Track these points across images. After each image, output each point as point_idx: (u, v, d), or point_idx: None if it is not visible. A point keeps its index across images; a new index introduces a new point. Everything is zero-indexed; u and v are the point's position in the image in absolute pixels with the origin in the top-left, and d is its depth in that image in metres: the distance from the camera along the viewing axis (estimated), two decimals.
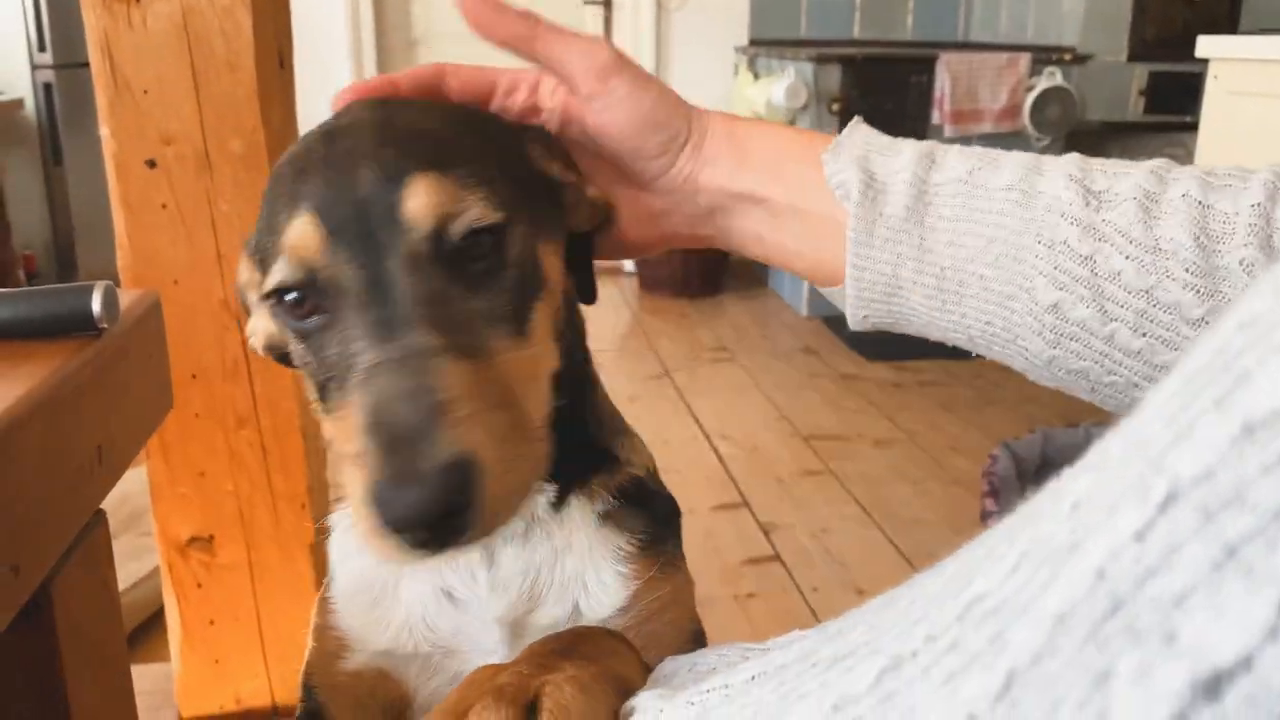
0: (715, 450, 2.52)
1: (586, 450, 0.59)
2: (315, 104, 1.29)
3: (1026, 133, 3.66)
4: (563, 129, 0.58)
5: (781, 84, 3.65)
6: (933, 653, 0.24)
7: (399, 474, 0.40)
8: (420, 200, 0.46)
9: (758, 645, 0.41)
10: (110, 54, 1.15)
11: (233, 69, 1.14)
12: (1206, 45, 1.95)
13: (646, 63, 4.32)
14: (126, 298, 0.65)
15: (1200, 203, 0.49)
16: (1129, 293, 0.50)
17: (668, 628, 0.57)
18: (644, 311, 4.00)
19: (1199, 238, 0.49)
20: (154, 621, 1.56)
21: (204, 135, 1.16)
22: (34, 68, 3.30)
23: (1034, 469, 1.98)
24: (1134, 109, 3.75)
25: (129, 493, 1.70)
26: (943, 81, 3.58)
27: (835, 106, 3.60)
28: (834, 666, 0.28)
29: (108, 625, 0.61)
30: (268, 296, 0.49)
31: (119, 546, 0.88)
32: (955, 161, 0.54)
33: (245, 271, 0.58)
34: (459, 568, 0.56)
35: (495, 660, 0.52)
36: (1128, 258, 0.50)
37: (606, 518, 0.57)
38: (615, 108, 0.56)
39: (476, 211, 0.47)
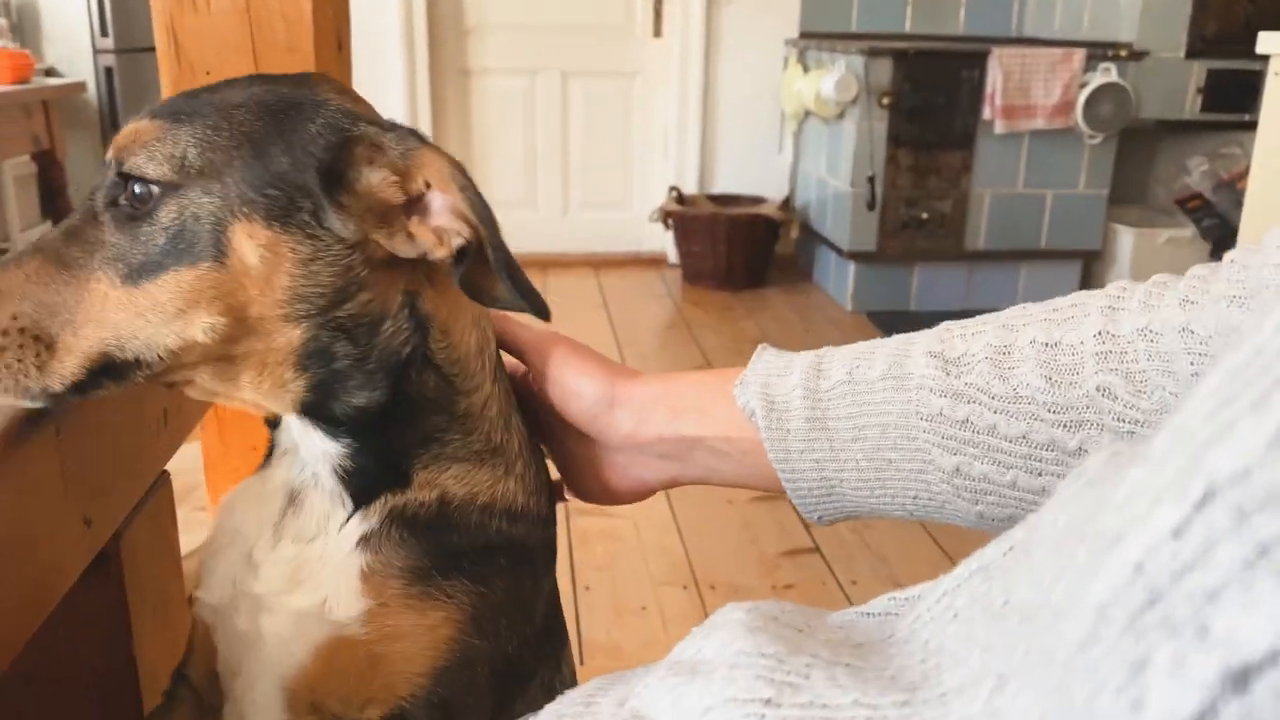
0: None
1: (392, 470, 0.59)
2: (369, 89, 1.31)
3: (1079, 130, 3.62)
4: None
5: (831, 77, 3.64)
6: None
7: None
8: (118, 136, 0.53)
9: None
10: (175, 36, 1.18)
11: (292, 51, 1.17)
12: (1268, 41, 1.91)
13: (695, 56, 4.33)
14: None
15: (1046, 344, 0.55)
16: (1010, 441, 0.54)
17: (398, 658, 0.57)
18: (686, 303, 4.01)
19: (1050, 378, 0.53)
20: None
21: None
22: (96, 52, 3.38)
23: None
24: (1190, 107, 3.69)
25: (182, 468, 1.74)
26: (995, 77, 3.54)
27: (885, 100, 3.58)
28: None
29: (171, 579, 0.63)
30: None
31: None
32: (837, 366, 0.60)
33: None
34: (265, 533, 0.60)
35: (244, 628, 0.59)
36: (995, 412, 0.54)
37: (367, 539, 0.58)
38: (546, 386, 0.65)
39: (137, 161, 0.51)
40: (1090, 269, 3.97)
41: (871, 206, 3.67)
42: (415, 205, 0.54)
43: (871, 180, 3.65)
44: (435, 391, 0.58)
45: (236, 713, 0.61)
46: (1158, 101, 3.67)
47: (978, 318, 0.60)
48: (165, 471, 0.64)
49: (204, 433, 1.27)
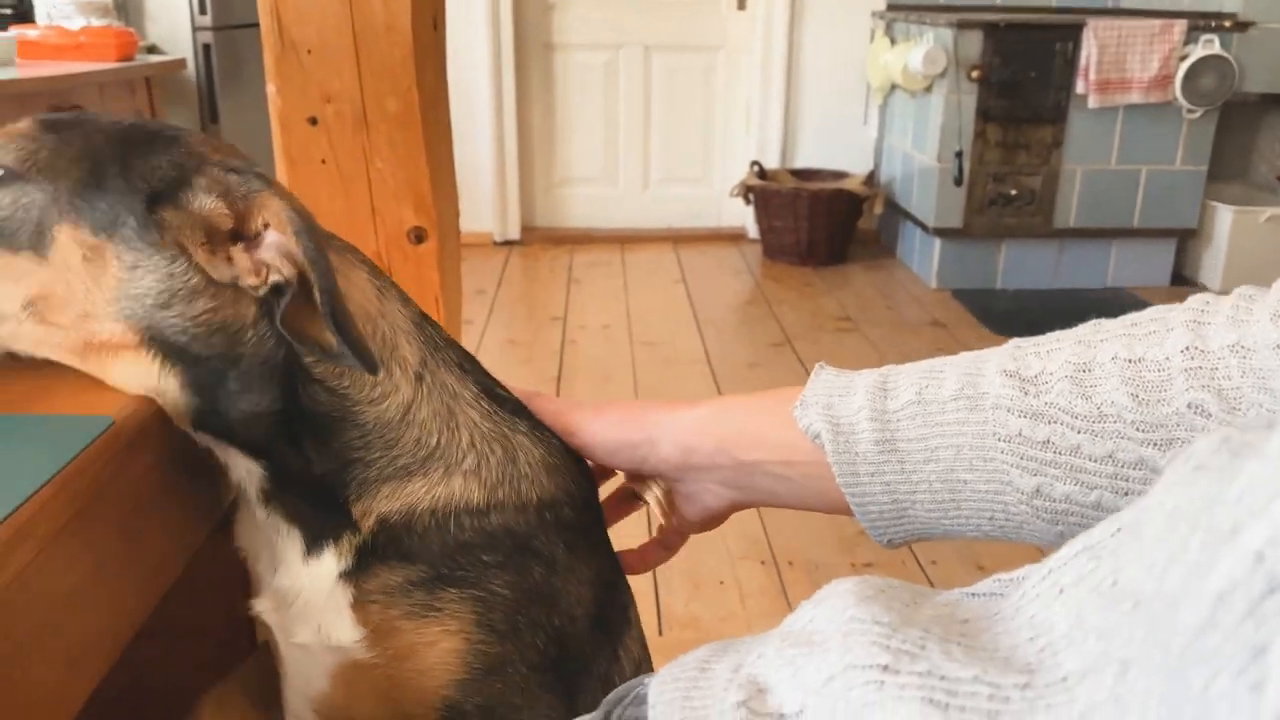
0: None
1: (335, 508, 0.59)
2: (453, 64, 1.34)
3: (1178, 104, 3.50)
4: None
5: (919, 50, 3.57)
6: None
7: None
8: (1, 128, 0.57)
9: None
10: (278, 14, 1.21)
11: (390, 30, 1.19)
12: None
13: (780, 29, 4.28)
14: None
15: (1129, 360, 0.53)
16: (1095, 461, 0.53)
17: (413, 675, 0.58)
18: (766, 279, 3.99)
19: (1136, 395, 0.52)
20: None
21: (362, 94, 1.22)
22: (195, 29, 3.48)
23: None
24: None
25: None
26: (1089, 49, 3.44)
27: (974, 74, 3.50)
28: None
29: None
30: None
31: None
32: (905, 386, 0.58)
33: None
34: (264, 555, 0.62)
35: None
36: (1079, 431, 0.53)
37: (346, 576, 0.59)
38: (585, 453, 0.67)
39: None
40: (1185, 247, 3.85)
41: (959, 182, 3.61)
42: (248, 239, 0.56)
43: (959, 155, 3.58)
44: (328, 405, 0.57)
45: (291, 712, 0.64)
46: (1263, 75, 3.53)
47: (1048, 335, 0.58)
48: None
49: None
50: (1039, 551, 0.32)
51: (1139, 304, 3.56)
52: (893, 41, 3.94)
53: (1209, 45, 3.42)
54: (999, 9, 4.15)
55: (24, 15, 3.23)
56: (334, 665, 0.59)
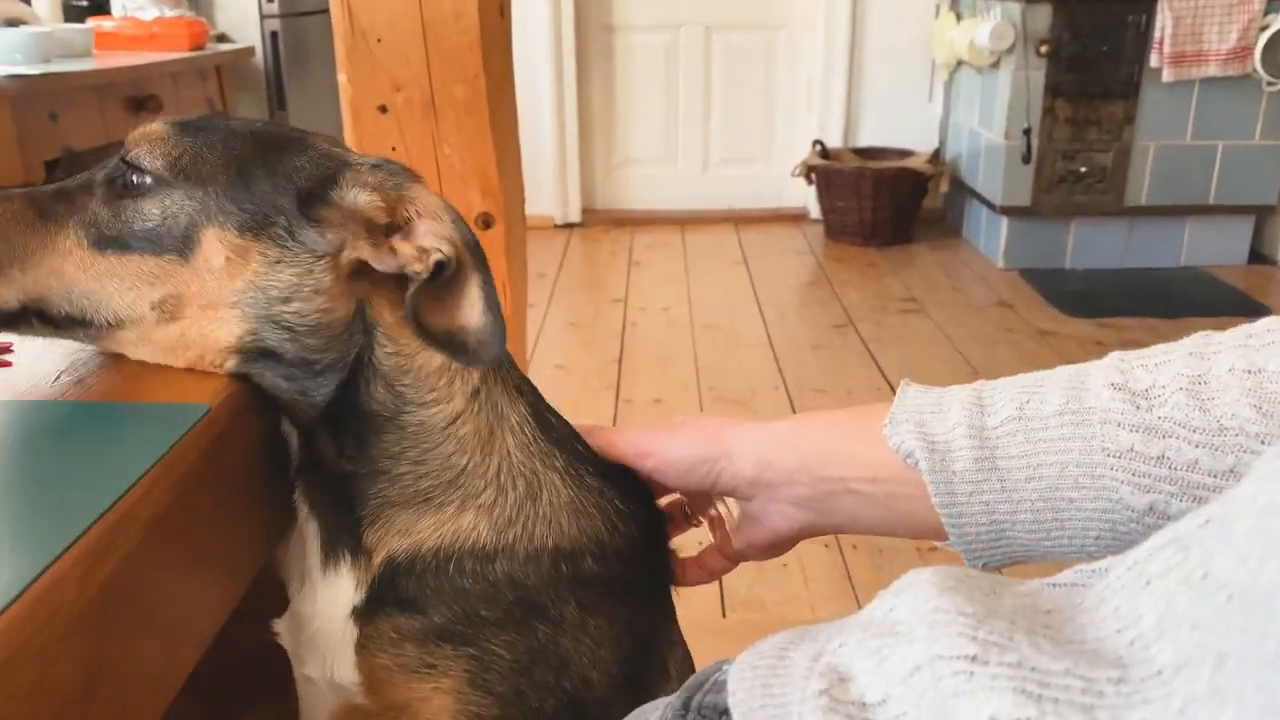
0: None
1: (345, 511, 0.60)
2: (515, 46, 1.35)
3: (1257, 76, 3.39)
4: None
5: (986, 25, 3.50)
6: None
7: None
8: (133, 132, 0.58)
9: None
10: (349, 5, 1.23)
11: (458, 17, 1.21)
12: None
13: (844, 5, 4.22)
14: None
15: (1248, 371, 0.50)
16: (1214, 476, 0.50)
17: None
18: (829, 259, 3.96)
19: (1260, 406, 0.49)
20: None
21: (430, 82, 1.24)
22: (263, 17, 3.53)
23: None
24: None
25: None
26: (1164, 21, 3.34)
27: (1043, 49, 3.43)
28: None
29: None
30: None
31: None
32: (1003, 401, 0.56)
33: None
34: (295, 576, 0.64)
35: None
36: (1197, 446, 0.51)
37: (357, 611, 0.59)
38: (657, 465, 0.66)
39: (140, 153, 0.57)
40: (1263, 224, 3.73)
41: (1027, 160, 3.54)
42: (400, 229, 0.58)
43: (1027, 132, 3.51)
44: (382, 402, 0.58)
45: None
46: None
47: (1154, 348, 0.56)
48: None
49: None
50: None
51: (1214, 282, 3.47)
52: (959, 17, 3.87)
53: None
54: None
55: (100, 7, 3.31)
56: (336, 704, 0.61)
